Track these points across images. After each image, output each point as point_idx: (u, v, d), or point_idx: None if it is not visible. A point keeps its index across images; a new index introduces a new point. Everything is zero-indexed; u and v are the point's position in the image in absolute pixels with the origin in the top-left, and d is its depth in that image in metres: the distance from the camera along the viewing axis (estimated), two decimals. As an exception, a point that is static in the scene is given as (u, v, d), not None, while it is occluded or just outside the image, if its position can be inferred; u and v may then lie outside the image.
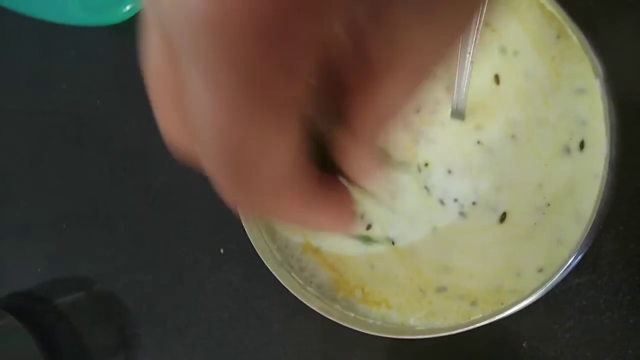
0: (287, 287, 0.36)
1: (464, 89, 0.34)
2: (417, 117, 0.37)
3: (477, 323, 0.34)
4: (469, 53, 0.33)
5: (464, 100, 0.35)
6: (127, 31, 0.49)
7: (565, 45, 0.34)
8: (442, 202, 0.37)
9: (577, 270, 0.34)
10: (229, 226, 0.46)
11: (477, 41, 0.33)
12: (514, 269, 0.35)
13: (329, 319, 0.38)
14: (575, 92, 0.34)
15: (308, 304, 0.36)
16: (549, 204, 0.34)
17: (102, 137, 0.52)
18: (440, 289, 0.37)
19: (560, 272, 0.32)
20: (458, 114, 0.35)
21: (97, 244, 0.51)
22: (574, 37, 0.32)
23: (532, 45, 0.35)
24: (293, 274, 0.38)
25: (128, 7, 0.45)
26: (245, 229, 0.38)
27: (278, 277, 0.36)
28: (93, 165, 0.52)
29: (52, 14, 0.49)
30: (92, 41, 0.51)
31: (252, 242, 0.38)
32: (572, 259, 0.32)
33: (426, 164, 0.37)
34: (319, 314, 0.37)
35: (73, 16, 0.48)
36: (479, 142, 0.36)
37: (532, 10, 0.34)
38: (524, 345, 0.39)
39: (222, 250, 0.47)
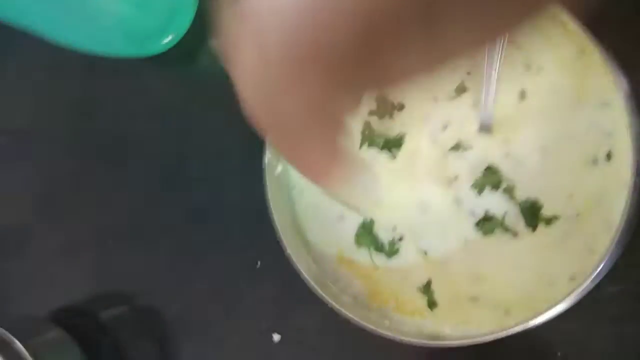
0: (324, 295, 0.37)
1: (491, 103, 0.35)
2: (445, 133, 0.39)
3: (511, 330, 0.35)
4: (495, 70, 0.34)
5: (491, 115, 0.36)
6: (167, 61, 0.52)
7: (588, 61, 0.35)
8: (473, 214, 0.38)
9: (609, 279, 0.35)
10: (264, 240, 0.48)
11: (502, 58, 0.34)
12: (546, 277, 0.35)
13: (364, 331, 0.39)
14: (600, 106, 0.35)
15: (345, 312, 0.37)
16: (578, 214, 0.35)
17: (143, 157, 0.54)
18: (473, 299, 0.38)
19: (592, 278, 0.33)
20: (486, 128, 0.37)
21: (139, 259, 0.53)
22: (596, 54, 0.34)
23: (555, 62, 0.36)
24: (329, 283, 0.40)
25: (169, 39, 0.48)
26: (283, 240, 0.40)
27: (315, 286, 0.38)
28: (135, 185, 0.54)
29: (96, 45, 0.51)
30: (134, 71, 0.54)
31: (291, 255, 0.39)
32: (602, 265, 0.33)
33: (456, 178, 0.38)
34: (353, 325, 0.39)
35: (116, 48, 0.51)
36: (507, 155, 0.37)
37: (556, 28, 0.35)
38: (558, 354, 0.39)
39: (258, 265, 0.49)
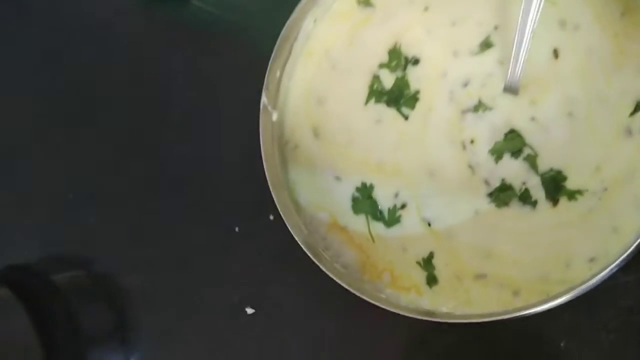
0: (315, 261, 0.33)
1: (521, 61, 0.32)
2: (465, 91, 0.35)
3: (515, 313, 0.31)
4: (530, 22, 0.31)
5: (520, 74, 0.33)
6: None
7: (631, 22, 0.32)
8: (487, 183, 0.34)
9: (624, 267, 0.31)
10: (245, 201, 0.44)
11: (539, 12, 0.31)
12: (563, 257, 0.32)
13: (348, 309, 0.35)
14: (638, 71, 0.32)
15: (337, 279, 0.33)
16: (606, 189, 0.32)
17: (120, 105, 0.49)
18: (480, 276, 0.34)
19: (615, 262, 0.30)
20: (512, 88, 0.33)
21: (101, 221, 0.48)
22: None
23: (594, 20, 0.33)
24: (320, 250, 0.36)
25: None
26: (275, 199, 0.36)
27: (307, 251, 0.33)
28: (104, 133, 0.49)
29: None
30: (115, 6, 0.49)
31: (280, 211, 0.35)
32: (629, 248, 0.29)
33: (472, 141, 0.35)
34: (340, 297, 0.34)
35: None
36: (533, 119, 0.33)
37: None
38: (561, 345, 0.36)
39: (237, 229, 0.44)
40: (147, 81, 0.49)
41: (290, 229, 0.35)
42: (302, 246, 0.34)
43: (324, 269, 0.33)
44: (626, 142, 0.32)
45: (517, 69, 0.32)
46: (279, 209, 0.35)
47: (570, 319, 0.36)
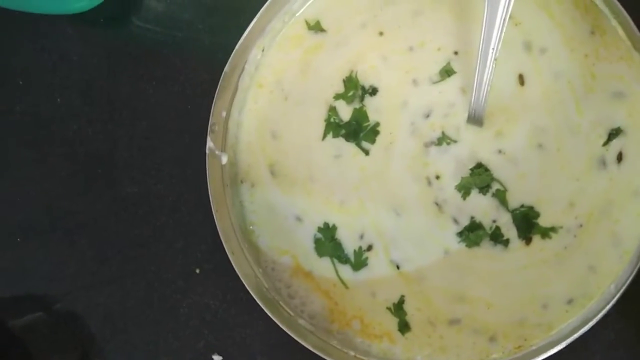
0: (274, 319, 0.31)
1: (485, 90, 0.29)
2: (427, 122, 0.32)
3: (494, 360, 0.29)
4: (493, 49, 0.28)
5: (484, 104, 0.30)
6: (92, 21, 0.43)
7: (601, 42, 0.30)
8: (456, 221, 0.32)
9: (602, 324, 0.30)
10: (205, 243, 0.41)
11: (502, 34, 0.28)
12: (540, 299, 0.31)
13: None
14: (611, 96, 0.30)
15: (299, 340, 0.30)
16: (581, 225, 0.30)
17: (62, 140, 0.45)
18: (454, 322, 0.32)
19: (594, 301, 0.28)
20: (476, 118, 0.31)
21: (56, 260, 0.45)
22: (620, 31, 0.28)
23: (562, 41, 0.30)
24: (281, 303, 0.33)
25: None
26: (226, 249, 0.33)
27: (264, 308, 0.31)
28: (52, 171, 0.46)
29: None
30: (51, 32, 0.45)
31: (233, 265, 0.32)
32: (609, 286, 0.28)
33: (437, 177, 0.32)
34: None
35: (32, 2, 0.43)
36: (500, 152, 0.31)
37: (564, 2, 0.30)
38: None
39: (197, 271, 0.41)
40: (94, 112, 0.45)
41: (243, 281, 0.32)
42: (258, 301, 0.31)
43: (283, 327, 0.31)
44: (600, 174, 0.30)
45: (480, 98, 0.30)
46: (232, 262, 0.33)
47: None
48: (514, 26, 0.31)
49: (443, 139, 0.32)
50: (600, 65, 0.30)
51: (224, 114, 0.34)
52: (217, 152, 0.34)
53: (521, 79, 0.31)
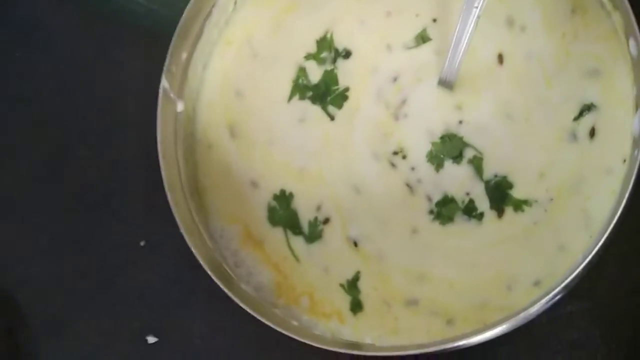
0: (214, 278, 0.28)
1: (461, 51, 0.29)
2: (393, 86, 0.31)
3: (444, 345, 0.27)
4: (476, 7, 0.28)
5: (458, 65, 0.29)
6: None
7: (581, 21, 0.30)
8: (429, 199, 0.31)
9: (570, 294, 0.28)
10: (154, 214, 0.38)
11: (483, 6, 0.28)
12: (505, 279, 0.29)
13: (265, 333, 0.29)
14: (586, 74, 0.30)
15: (241, 304, 0.28)
16: (552, 199, 0.29)
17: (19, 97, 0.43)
18: (411, 302, 0.30)
19: (561, 286, 0.26)
20: (447, 82, 0.30)
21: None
22: (595, 12, 0.28)
23: (541, 20, 0.30)
24: (226, 267, 0.30)
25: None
26: (174, 212, 0.30)
27: (204, 265, 0.28)
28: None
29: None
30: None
31: (178, 223, 0.30)
32: (576, 269, 0.26)
33: (404, 157, 0.31)
34: (251, 325, 0.29)
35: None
36: (467, 121, 0.31)
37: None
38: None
39: (142, 243, 0.39)
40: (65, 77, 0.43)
41: (189, 244, 0.30)
42: (203, 264, 0.29)
43: (227, 291, 0.28)
44: (570, 147, 0.29)
45: (455, 59, 0.30)
46: (177, 219, 0.30)
47: (508, 353, 0.33)
48: (499, 1, 0.31)
49: (407, 101, 0.31)
50: (577, 44, 0.30)
51: (184, 55, 0.32)
52: (172, 96, 0.32)
53: (500, 58, 0.31)
